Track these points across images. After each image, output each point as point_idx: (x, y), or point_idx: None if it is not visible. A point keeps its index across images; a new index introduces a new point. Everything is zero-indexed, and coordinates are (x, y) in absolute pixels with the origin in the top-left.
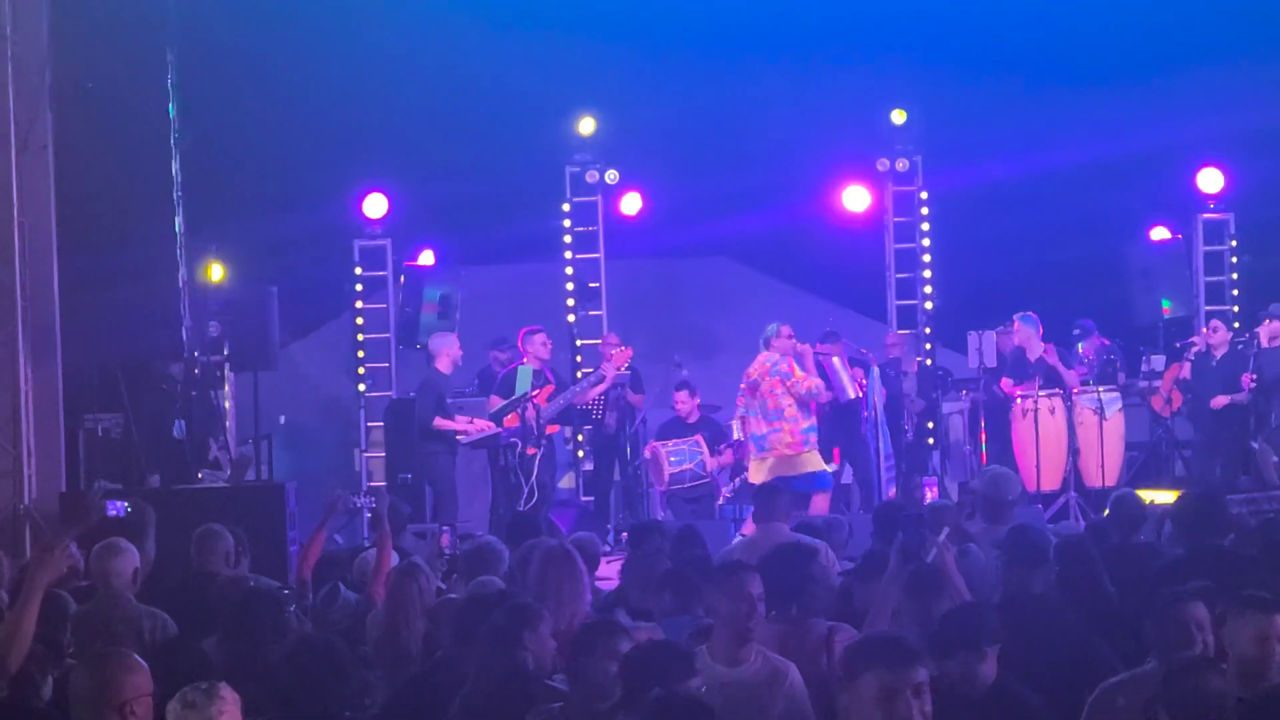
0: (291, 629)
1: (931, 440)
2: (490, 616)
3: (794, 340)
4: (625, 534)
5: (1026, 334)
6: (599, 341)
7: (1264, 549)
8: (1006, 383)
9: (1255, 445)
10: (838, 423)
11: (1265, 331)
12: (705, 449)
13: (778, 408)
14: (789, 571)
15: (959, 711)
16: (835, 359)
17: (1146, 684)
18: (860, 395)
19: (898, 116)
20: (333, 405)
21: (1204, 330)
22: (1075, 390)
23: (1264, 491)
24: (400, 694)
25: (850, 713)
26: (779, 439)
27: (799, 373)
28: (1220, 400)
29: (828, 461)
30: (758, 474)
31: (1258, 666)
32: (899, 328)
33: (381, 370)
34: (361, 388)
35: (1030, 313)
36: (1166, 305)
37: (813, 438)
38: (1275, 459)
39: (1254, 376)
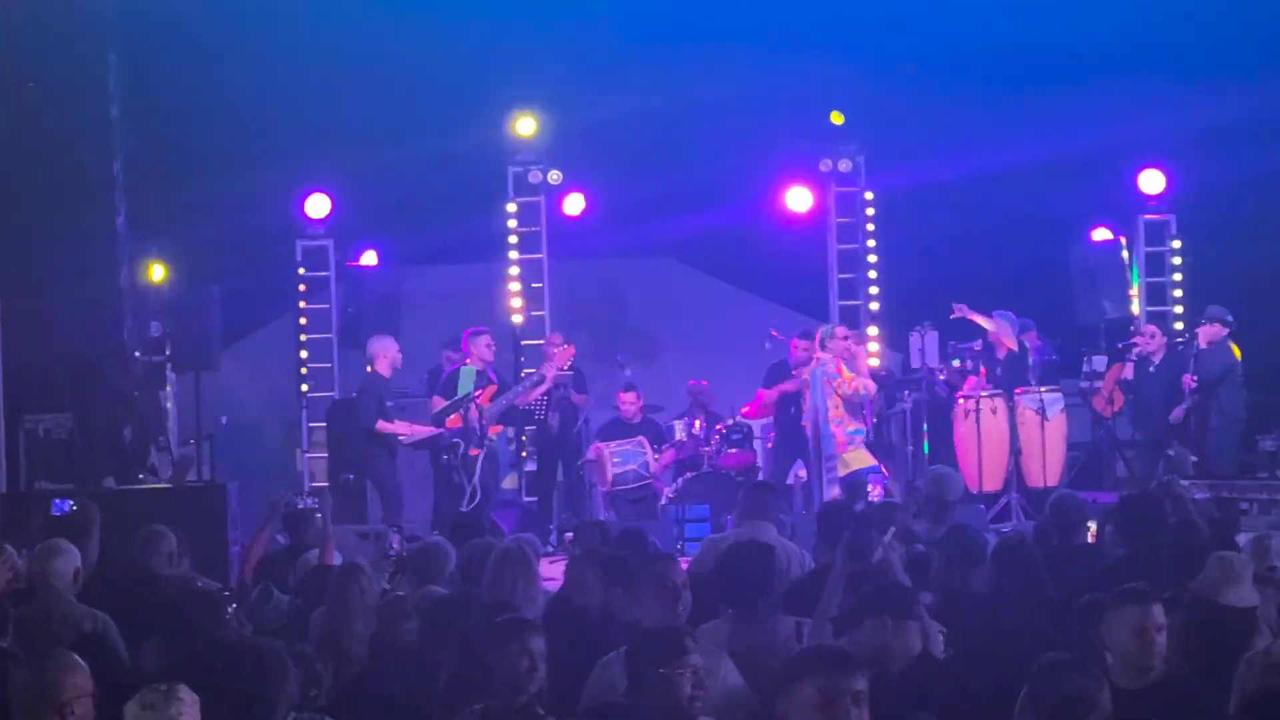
0: (230, 629)
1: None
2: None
3: (849, 341)
4: (569, 534)
5: (1005, 329)
6: (542, 342)
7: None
8: (972, 381)
9: (1171, 452)
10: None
11: (1204, 333)
12: (649, 450)
13: (824, 407)
14: (749, 569)
15: (876, 684)
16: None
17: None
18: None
19: (836, 118)
20: (275, 406)
21: (1142, 333)
22: (1018, 391)
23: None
24: (346, 692)
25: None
26: (828, 439)
27: (846, 374)
28: (1178, 413)
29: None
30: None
31: (1138, 658)
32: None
33: (324, 370)
34: (304, 388)
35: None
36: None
37: (858, 439)
38: (1193, 458)
39: (1194, 377)
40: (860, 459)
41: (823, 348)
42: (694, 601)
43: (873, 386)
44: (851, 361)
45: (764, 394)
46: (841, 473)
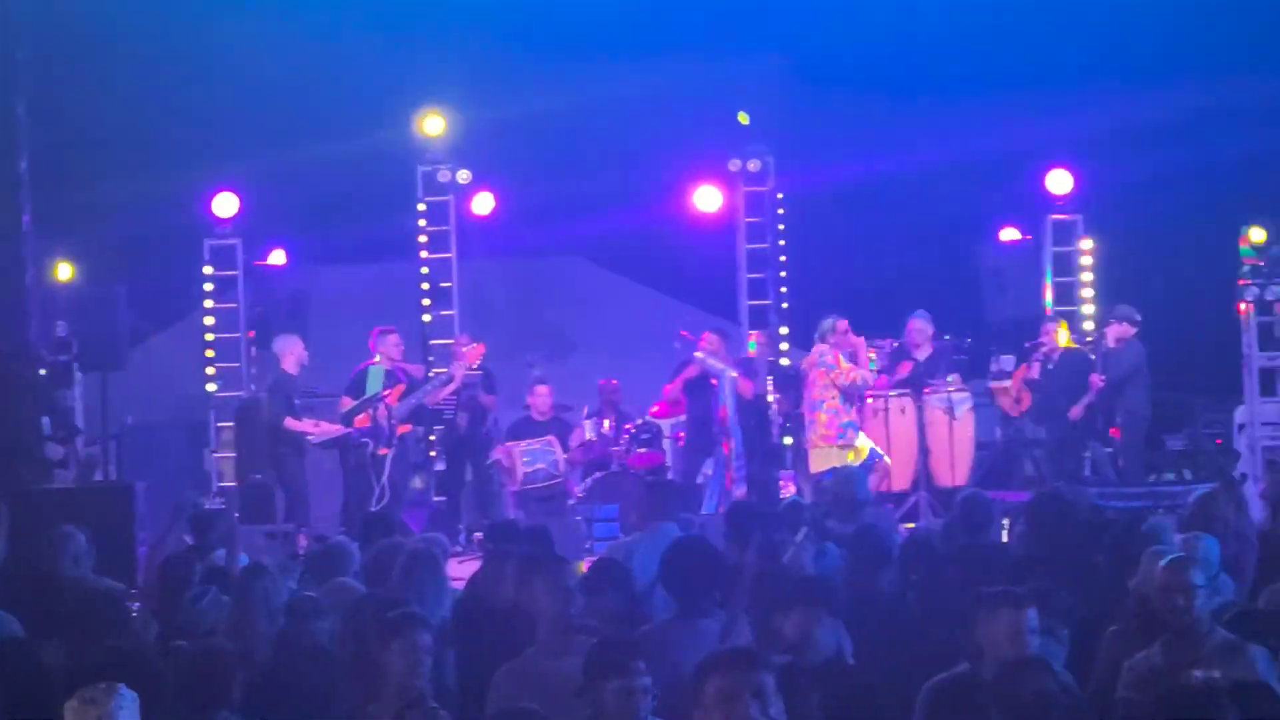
0: (134, 630)
1: (789, 440)
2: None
3: (850, 334)
4: (478, 534)
5: (927, 332)
6: (451, 341)
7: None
8: (884, 380)
9: (1088, 454)
10: (709, 423)
11: (1112, 332)
12: (558, 449)
13: (820, 398)
14: (693, 569)
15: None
16: (712, 359)
17: (964, 683)
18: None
19: (742, 118)
20: (182, 405)
21: (1045, 332)
22: (928, 389)
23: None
24: (250, 693)
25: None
26: (815, 429)
27: (844, 365)
28: (1077, 410)
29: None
30: (812, 463)
31: (1013, 660)
32: (751, 328)
33: (232, 370)
34: (211, 388)
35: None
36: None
37: (850, 432)
38: (1108, 450)
39: (1102, 377)
40: (862, 452)
41: (822, 340)
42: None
43: (870, 378)
44: (853, 354)
45: (668, 389)
46: (822, 467)
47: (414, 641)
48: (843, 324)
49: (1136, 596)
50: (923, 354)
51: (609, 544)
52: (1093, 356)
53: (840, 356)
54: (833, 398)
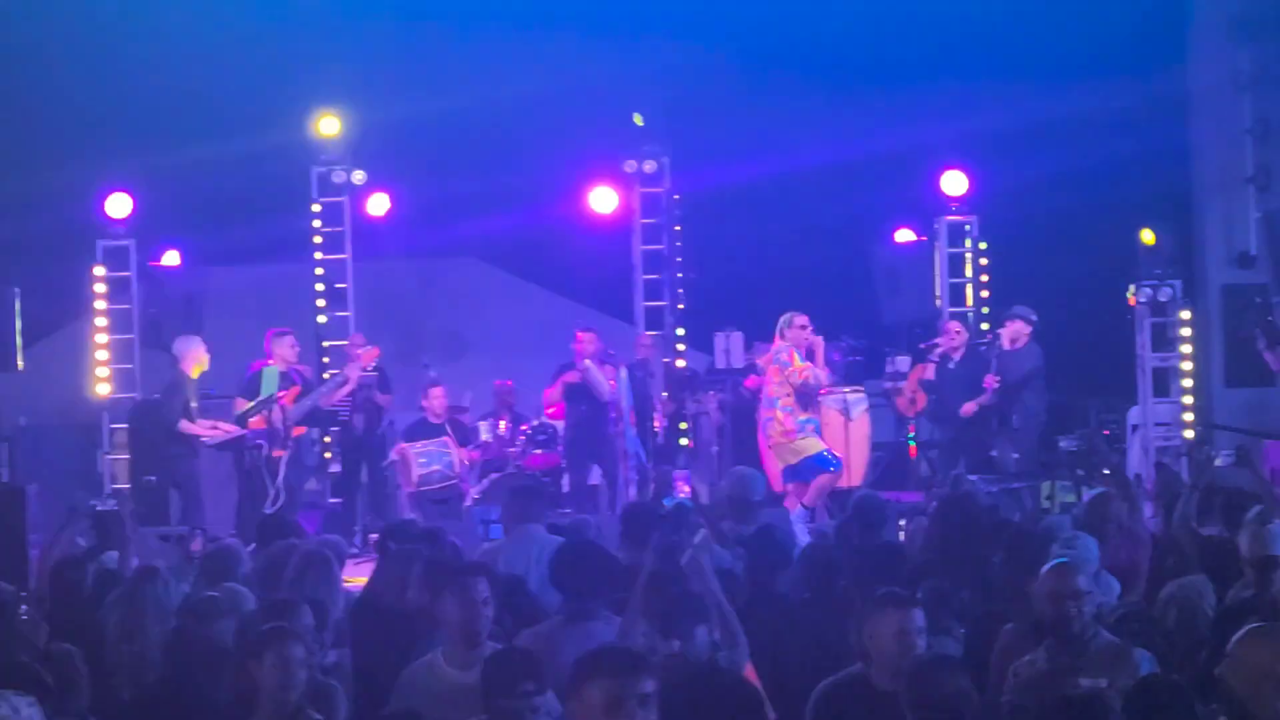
0: (20, 633)
1: (686, 441)
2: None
3: (808, 330)
4: (374, 536)
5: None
6: (346, 343)
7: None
8: (751, 382)
9: (994, 454)
10: (595, 424)
11: (1007, 333)
12: (454, 450)
13: (775, 395)
14: (581, 570)
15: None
16: (587, 360)
17: (856, 683)
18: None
19: (637, 120)
20: (75, 407)
21: (943, 333)
22: (823, 391)
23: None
24: (142, 697)
25: None
26: (773, 426)
27: (798, 363)
28: (969, 407)
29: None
30: (775, 459)
31: (898, 661)
32: (646, 329)
33: (125, 372)
34: (104, 390)
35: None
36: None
37: (810, 427)
38: (1015, 454)
39: (998, 378)
40: (812, 445)
41: (781, 336)
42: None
43: (825, 376)
44: (810, 351)
45: (548, 392)
46: (793, 460)
47: (285, 655)
48: (800, 319)
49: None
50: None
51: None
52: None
53: (796, 354)
54: (787, 395)
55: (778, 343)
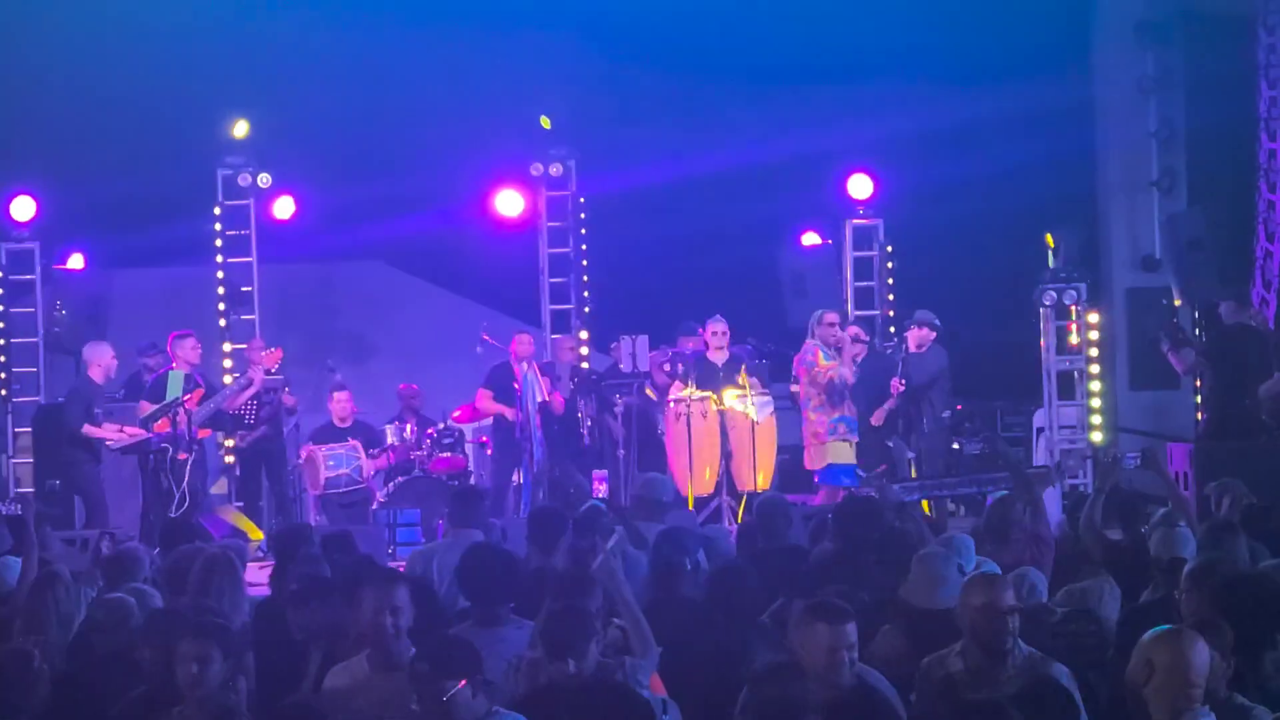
0: None
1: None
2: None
3: (836, 327)
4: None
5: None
6: (245, 346)
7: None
8: (677, 386)
9: (890, 444)
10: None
11: (913, 337)
12: (362, 453)
13: (807, 396)
14: (490, 575)
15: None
16: (525, 363)
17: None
18: (546, 399)
19: (545, 123)
20: None
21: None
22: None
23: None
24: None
25: None
26: (808, 428)
27: (823, 362)
28: (878, 415)
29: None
30: (808, 460)
31: (827, 674)
32: (552, 332)
33: (29, 375)
34: (2, 392)
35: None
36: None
37: (843, 427)
38: (910, 454)
39: (903, 381)
40: (840, 453)
41: (811, 335)
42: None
43: (850, 375)
44: (839, 349)
45: (484, 393)
46: (819, 465)
47: (203, 654)
48: (830, 316)
49: (904, 604)
50: (720, 358)
51: (411, 550)
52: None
53: (820, 353)
54: (817, 394)
55: (807, 343)
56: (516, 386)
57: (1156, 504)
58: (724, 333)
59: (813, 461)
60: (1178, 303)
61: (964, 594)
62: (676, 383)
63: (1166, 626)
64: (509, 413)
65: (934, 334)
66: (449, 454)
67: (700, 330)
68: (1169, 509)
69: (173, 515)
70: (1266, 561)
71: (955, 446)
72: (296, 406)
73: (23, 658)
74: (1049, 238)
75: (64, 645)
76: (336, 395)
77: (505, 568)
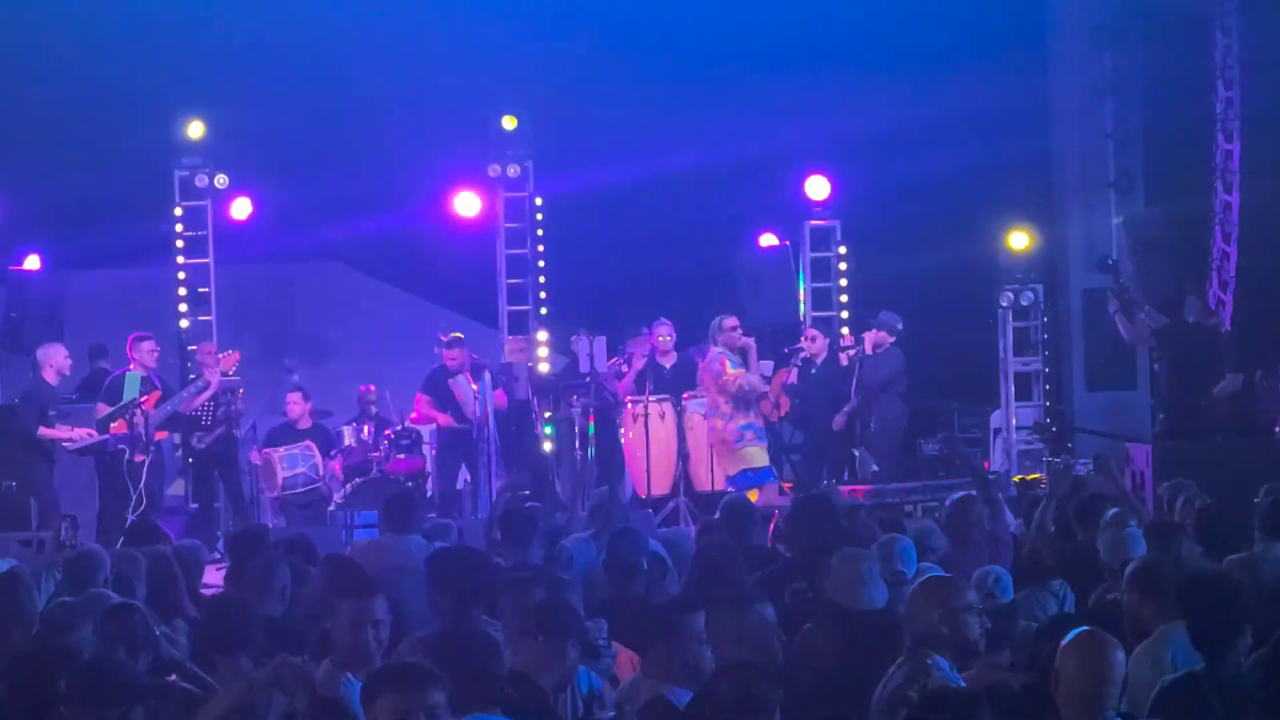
0: None
1: (549, 445)
2: None
3: (737, 332)
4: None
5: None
6: (207, 347)
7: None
8: (625, 385)
9: (856, 453)
10: (464, 434)
11: (871, 339)
12: (318, 455)
13: (715, 403)
14: (460, 576)
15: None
16: (461, 375)
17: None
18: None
19: (508, 123)
20: None
21: (804, 337)
22: (686, 395)
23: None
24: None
25: None
26: (715, 434)
27: (730, 371)
28: (839, 420)
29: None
30: (723, 468)
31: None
32: (510, 333)
33: None
34: None
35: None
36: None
37: (749, 434)
38: (874, 467)
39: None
40: (754, 457)
41: (714, 342)
42: None
43: (758, 382)
44: (744, 354)
45: (421, 398)
46: (733, 471)
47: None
48: (730, 321)
49: (828, 601)
50: (669, 360)
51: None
52: (845, 363)
53: (727, 361)
54: (725, 403)
55: (711, 350)
56: (457, 392)
57: (1115, 506)
58: (671, 336)
59: (725, 468)
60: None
61: (918, 597)
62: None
63: (1079, 630)
64: (441, 419)
65: (892, 337)
66: (406, 455)
67: (647, 332)
68: (1119, 511)
69: (130, 516)
70: (1232, 557)
71: (913, 448)
72: (244, 409)
73: None
74: (1022, 237)
75: (22, 647)
76: (290, 397)
77: (476, 568)
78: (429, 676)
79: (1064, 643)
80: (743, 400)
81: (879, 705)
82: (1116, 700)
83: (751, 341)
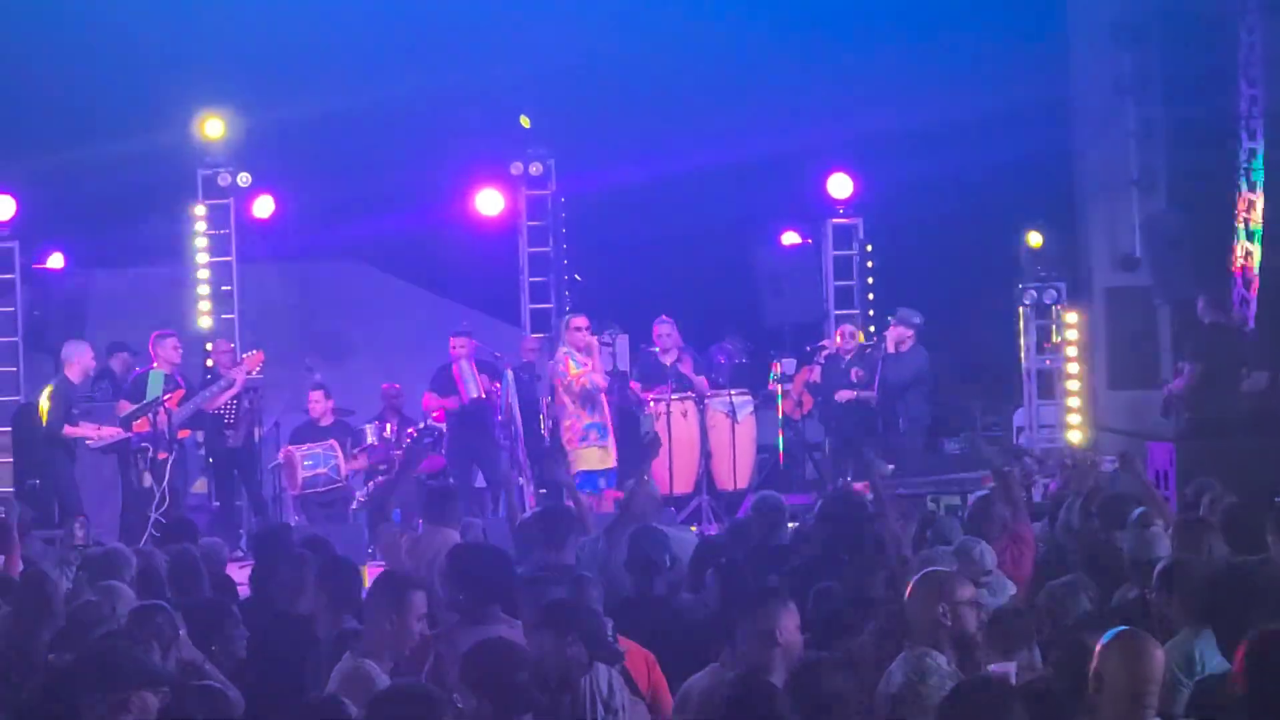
0: None
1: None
2: None
3: (583, 332)
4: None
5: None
6: (210, 347)
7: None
8: (636, 385)
9: (868, 455)
10: (470, 426)
11: (892, 335)
12: (340, 453)
13: (561, 403)
14: (481, 573)
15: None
16: (464, 362)
17: (718, 679)
18: (482, 395)
19: (523, 122)
20: None
21: (835, 334)
22: (706, 394)
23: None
24: (31, 700)
25: None
26: (563, 434)
27: (572, 370)
28: (845, 394)
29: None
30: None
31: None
32: (533, 331)
33: (9, 375)
34: None
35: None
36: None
37: (593, 434)
38: (890, 467)
39: (859, 373)
40: (590, 459)
41: (562, 341)
42: None
43: (602, 381)
44: (590, 352)
45: (428, 395)
46: (573, 472)
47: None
48: (577, 321)
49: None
50: (669, 359)
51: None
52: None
53: (571, 361)
54: (570, 402)
55: (559, 350)
56: (457, 376)
57: (1139, 505)
58: (669, 334)
59: (574, 466)
60: (1156, 302)
61: (921, 594)
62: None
63: (1120, 630)
64: (449, 402)
65: (913, 332)
66: (429, 453)
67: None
68: (1145, 510)
69: (154, 515)
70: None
71: (935, 447)
72: (264, 407)
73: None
74: (1039, 236)
75: (50, 644)
76: (311, 395)
77: (497, 566)
78: (438, 702)
79: (1103, 642)
80: (588, 399)
81: (880, 703)
82: (1156, 700)
83: (595, 342)
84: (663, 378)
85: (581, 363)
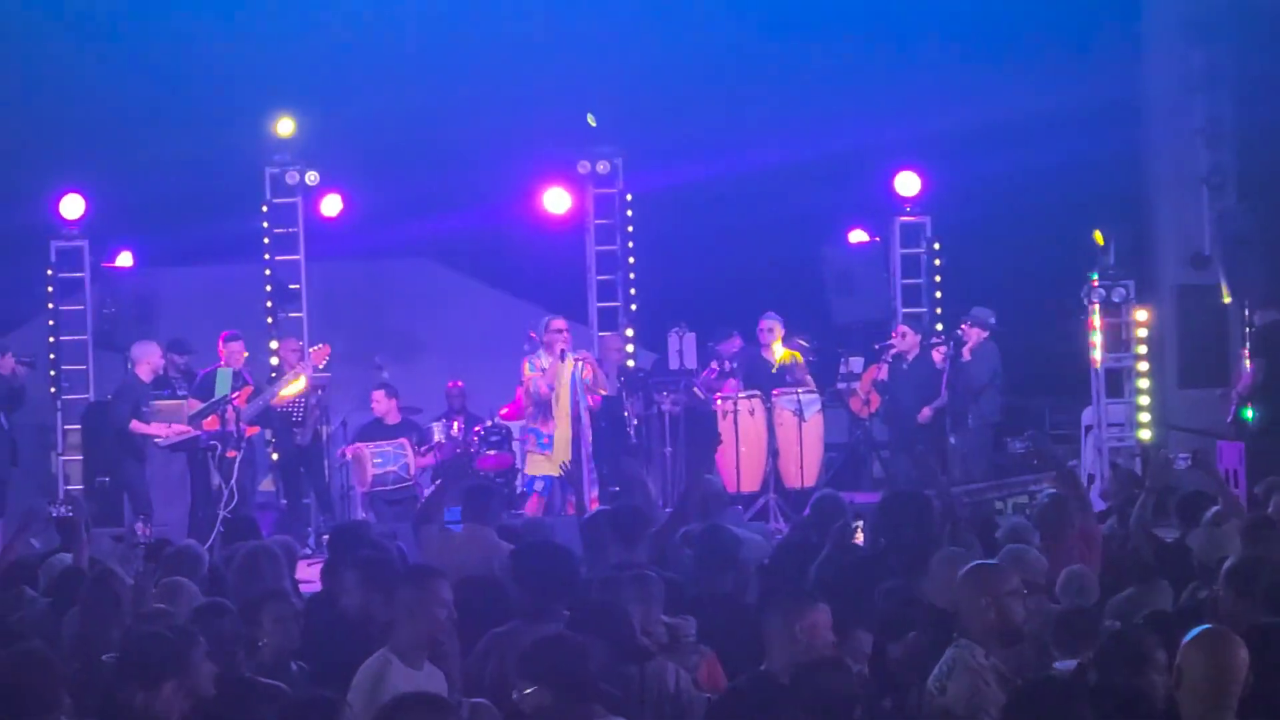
0: None
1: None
2: None
3: (563, 334)
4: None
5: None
6: (289, 346)
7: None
8: (733, 384)
9: (952, 440)
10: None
11: (970, 338)
12: (409, 451)
13: (525, 406)
14: (544, 573)
15: None
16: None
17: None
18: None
19: (590, 120)
20: (30, 408)
21: (895, 334)
22: (777, 392)
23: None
24: (98, 697)
25: None
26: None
27: (527, 374)
28: (925, 413)
29: None
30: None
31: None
32: (600, 329)
33: (78, 373)
34: (52, 390)
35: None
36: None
37: (531, 439)
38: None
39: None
40: (535, 465)
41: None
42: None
43: (543, 386)
44: (564, 354)
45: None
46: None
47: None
48: (556, 323)
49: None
50: (772, 355)
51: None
52: (939, 360)
53: (526, 365)
54: (529, 405)
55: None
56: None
57: (1210, 503)
58: (772, 330)
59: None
60: (1227, 299)
61: (967, 589)
62: (731, 380)
63: (1205, 628)
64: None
65: (986, 332)
66: (496, 451)
67: (734, 334)
68: (1219, 509)
69: (222, 512)
70: None
71: (1001, 446)
72: (329, 404)
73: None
74: (1098, 234)
75: (119, 642)
76: (374, 394)
77: (558, 563)
78: (447, 709)
79: (1187, 640)
80: (541, 404)
81: (929, 698)
82: (1237, 700)
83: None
84: (767, 374)
85: (537, 367)
